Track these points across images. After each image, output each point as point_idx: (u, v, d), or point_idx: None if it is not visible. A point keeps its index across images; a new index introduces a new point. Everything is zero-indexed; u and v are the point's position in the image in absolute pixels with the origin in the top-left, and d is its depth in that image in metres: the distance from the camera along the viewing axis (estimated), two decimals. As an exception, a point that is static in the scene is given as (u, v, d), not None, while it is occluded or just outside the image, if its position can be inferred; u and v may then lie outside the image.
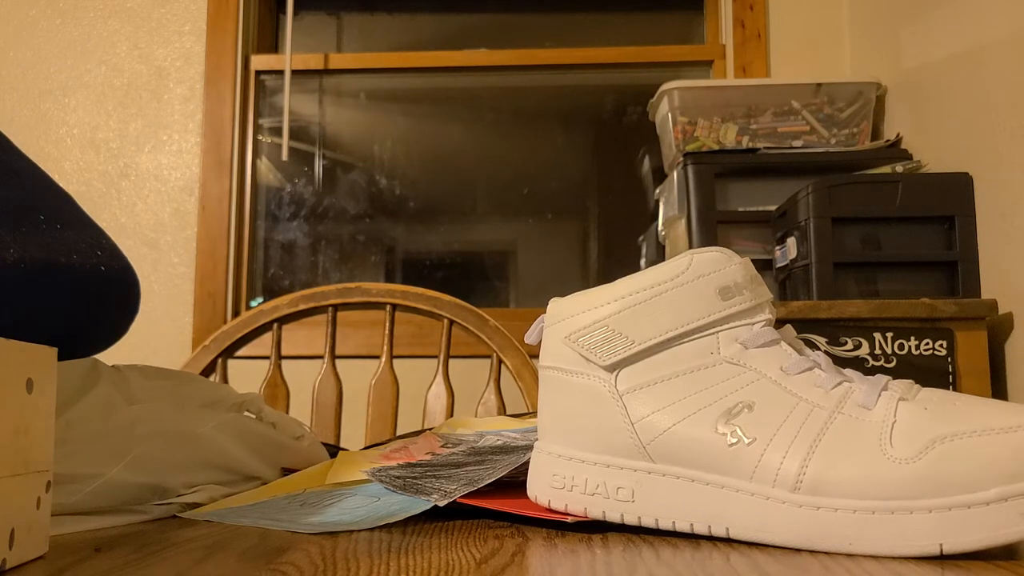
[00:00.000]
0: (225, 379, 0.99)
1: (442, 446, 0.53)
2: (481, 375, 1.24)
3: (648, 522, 0.34)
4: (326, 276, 1.83)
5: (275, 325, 1.00)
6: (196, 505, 0.41)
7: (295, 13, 1.81)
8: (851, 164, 1.35)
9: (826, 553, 0.31)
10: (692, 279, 0.35)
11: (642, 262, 1.63)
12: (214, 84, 1.75)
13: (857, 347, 1.03)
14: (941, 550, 0.29)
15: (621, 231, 1.80)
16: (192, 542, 0.33)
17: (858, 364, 1.02)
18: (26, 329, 0.35)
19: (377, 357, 1.02)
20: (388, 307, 1.01)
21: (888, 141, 1.41)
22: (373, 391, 1.00)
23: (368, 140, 1.86)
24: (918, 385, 0.34)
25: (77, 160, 1.76)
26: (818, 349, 0.94)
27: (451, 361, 1.02)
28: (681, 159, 1.37)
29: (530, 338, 0.38)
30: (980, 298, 1.15)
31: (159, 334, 1.65)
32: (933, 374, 1.03)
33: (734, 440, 0.32)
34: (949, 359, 1.03)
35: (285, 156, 1.77)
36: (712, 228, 1.34)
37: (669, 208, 1.44)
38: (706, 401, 0.33)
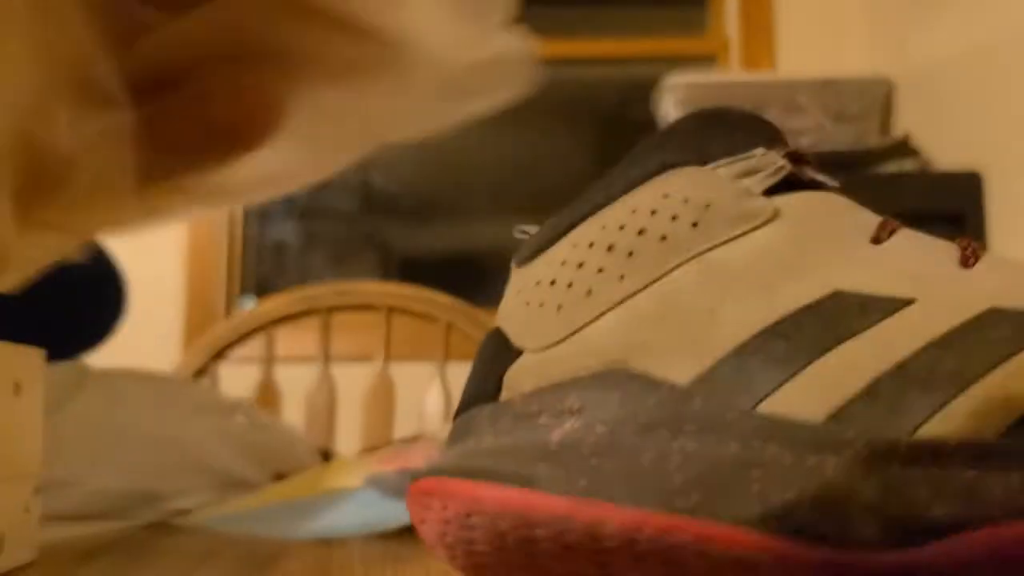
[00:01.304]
0: (216, 382, 0.98)
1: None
2: (477, 377, 1.23)
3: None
4: (319, 275, 1.82)
5: (268, 327, 0.99)
6: (187, 511, 0.41)
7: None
8: (859, 162, 1.34)
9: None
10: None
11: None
12: (207, 83, 1.74)
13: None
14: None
15: (618, 232, 1.79)
16: (184, 549, 0.33)
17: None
18: (12, 330, 0.35)
19: (372, 360, 1.01)
20: (383, 310, 1.00)
21: (897, 139, 1.40)
22: (368, 395, 0.99)
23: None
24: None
25: (68, 159, 1.75)
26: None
27: (450, 365, 1.01)
28: (680, 158, 1.37)
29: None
30: (980, 299, 1.15)
31: (148, 336, 1.63)
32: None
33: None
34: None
35: (279, 156, 1.76)
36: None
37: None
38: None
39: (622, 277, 0.21)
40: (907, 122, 1.43)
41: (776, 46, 1.66)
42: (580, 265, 0.22)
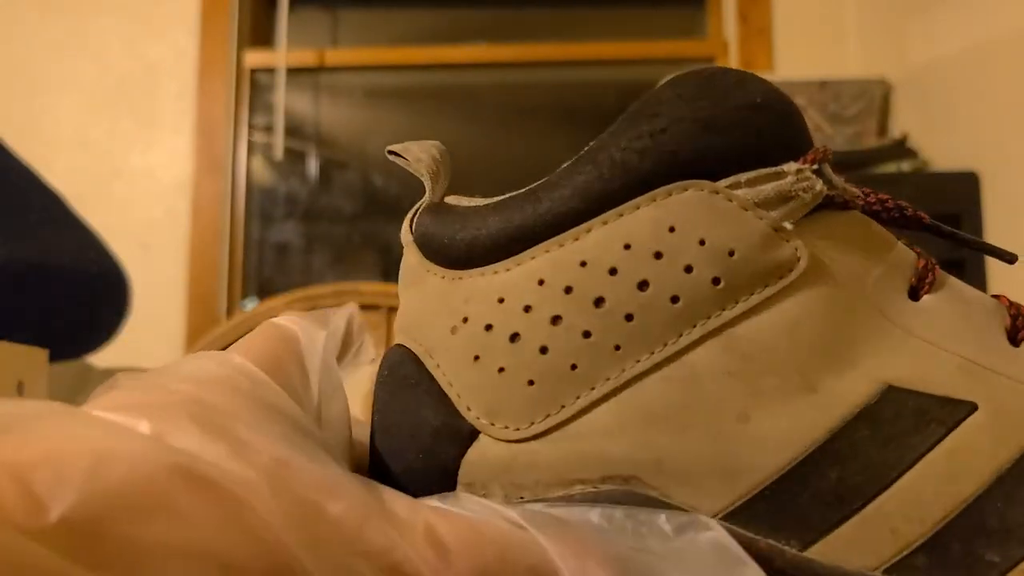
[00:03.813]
0: (219, 381, 0.98)
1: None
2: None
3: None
4: (321, 276, 1.82)
5: (269, 326, 1.00)
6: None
7: (290, 7, 1.80)
8: (856, 162, 1.34)
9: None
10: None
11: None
12: (207, 81, 1.74)
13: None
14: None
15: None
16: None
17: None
18: (16, 330, 0.35)
19: (373, 361, 1.02)
20: (384, 309, 1.01)
21: (894, 139, 1.40)
22: (370, 395, 0.99)
23: (364, 137, 1.85)
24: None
25: (68, 160, 1.75)
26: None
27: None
28: (678, 159, 1.36)
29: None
30: (982, 299, 1.15)
31: (151, 336, 1.63)
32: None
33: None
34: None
35: (279, 155, 1.76)
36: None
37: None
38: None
39: (618, 348, 0.16)
40: (904, 123, 1.43)
41: (774, 48, 1.67)
42: (555, 320, 0.16)
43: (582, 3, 1.83)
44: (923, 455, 0.15)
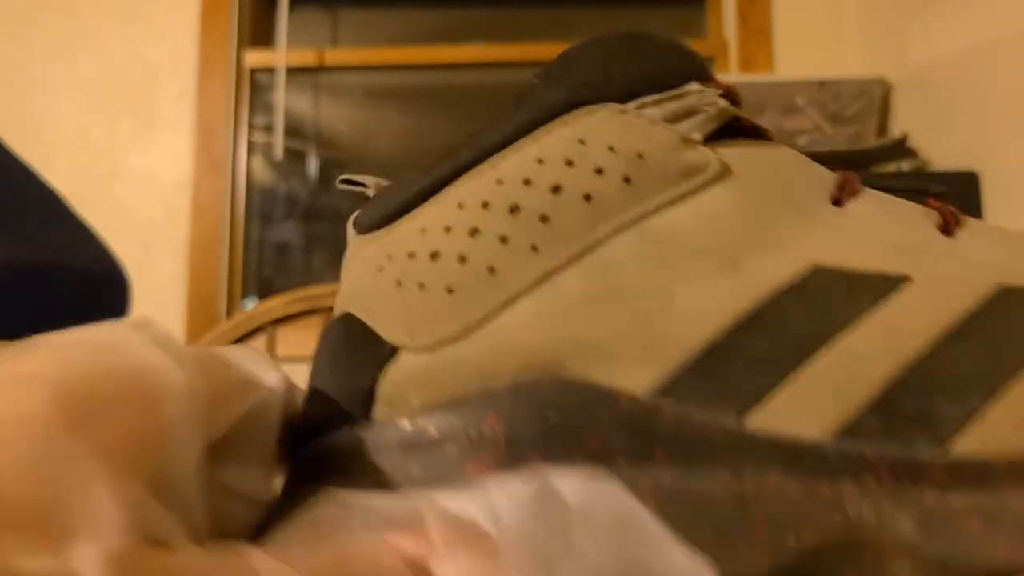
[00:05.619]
0: (219, 381, 0.98)
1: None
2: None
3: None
4: (321, 276, 1.82)
5: (269, 327, 1.00)
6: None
7: (290, 7, 1.80)
8: (856, 162, 1.34)
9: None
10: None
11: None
12: (207, 81, 1.74)
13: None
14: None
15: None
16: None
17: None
18: (14, 331, 0.35)
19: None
20: (383, 308, 1.00)
21: (894, 139, 1.40)
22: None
23: (364, 137, 1.86)
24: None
25: (68, 160, 1.75)
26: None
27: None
28: (678, 159, 1.36)
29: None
30: (980, 299, 1.15)
31: (152, 335, 1.63)
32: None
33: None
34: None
35: (279, 155, 1.76)
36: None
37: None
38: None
39: (535, 248, 0.16)
40: (904, 122, 1.43)
41: (774, 48, 1.66)
42: (473, 232, 0.16)
43: (582, 3, 1.83)
44: (859, 316, 0.15)
